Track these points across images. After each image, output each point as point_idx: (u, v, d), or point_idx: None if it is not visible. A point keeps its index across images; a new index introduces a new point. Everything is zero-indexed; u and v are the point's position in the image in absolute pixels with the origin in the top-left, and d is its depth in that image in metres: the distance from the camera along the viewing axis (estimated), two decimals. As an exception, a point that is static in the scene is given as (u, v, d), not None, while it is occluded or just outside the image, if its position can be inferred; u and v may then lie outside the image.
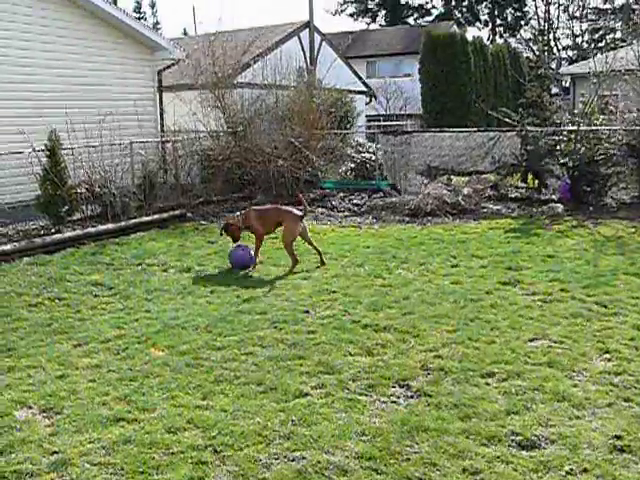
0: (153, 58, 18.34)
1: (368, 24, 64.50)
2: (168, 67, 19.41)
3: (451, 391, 5.45)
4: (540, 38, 60.28)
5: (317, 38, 27.23)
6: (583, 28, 61.89)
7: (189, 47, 19.76)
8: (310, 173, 17.00)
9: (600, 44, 60.65)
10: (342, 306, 7.95)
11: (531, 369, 5.91)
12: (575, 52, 59.03)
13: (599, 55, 22.67)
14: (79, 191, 13.55)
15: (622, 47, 19.83)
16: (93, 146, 14.06)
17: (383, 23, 63.49)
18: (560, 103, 17.37)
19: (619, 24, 61.50)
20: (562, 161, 15.77)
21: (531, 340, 6.73)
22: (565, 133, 15.96)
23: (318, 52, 26.79)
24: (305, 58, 25.68)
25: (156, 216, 14.32)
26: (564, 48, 63.75)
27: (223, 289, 8.96)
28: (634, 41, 16.02)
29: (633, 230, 12.42)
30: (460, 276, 9.35)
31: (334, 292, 8.60)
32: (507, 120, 16.59)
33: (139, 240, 12.54)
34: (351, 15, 66.34)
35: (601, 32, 62.63)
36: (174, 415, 5.11)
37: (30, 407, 5.37)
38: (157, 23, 66.69)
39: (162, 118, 18.95)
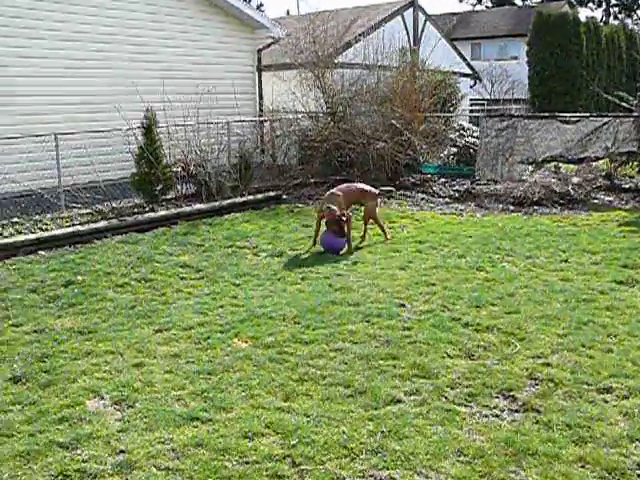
0: (253, 36, 18.03)
1: (474, 5, 62.74)
2: (268, 46, 19.09)
3: (563, 407, 4.81)
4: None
5: (421, 18, 26.42)
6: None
7: (290, 26, 19.37)
8: (411, 157, 16.32)
9: None
10: (441, 301, 7.35)
11: (656, 386, 5.20)
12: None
13: None
14: (174, 170, 13.38)
15: None
16: (190, 124, 13.85)
17: (489, 5, 61.53)
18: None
19: None
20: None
21: (656, 350, 5.99)
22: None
23: (422, 32, 25.99)
24: (408, 38, 24.93)
25: (251, 197, 14.01)
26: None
27: (314, 276, 8.51)
28: None
29: None
30: (570, 272, 8.58)
31: (433, 285, 8.01)
32: (624, 104, 15.52)
33: (232, 221, 12.24)
34: (457, -3, 64.63)
35: None
36: (252, 417, 4.67)
37: (102, 397, 5.06)
38: (261, 5, 66.61)
39: (261, 97, 18.65)
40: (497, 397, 5.04)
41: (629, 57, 37.29)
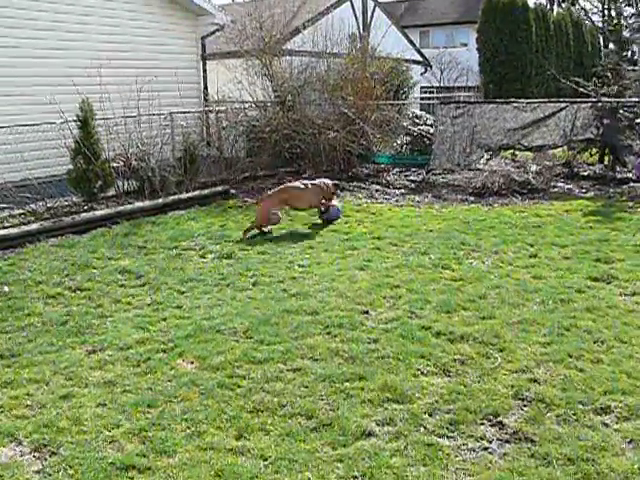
0: (197, 23, 17.16)
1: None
2: (213, 33, 18.21)
3: (559, 435, 4.17)
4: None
5: (370, 4, 25.77)
6: None
7: (236, 13, 18.50)
8: (364, 147, 15.65)
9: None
10: (407, 305, 6.68)
11: (658, 403, 4.60)
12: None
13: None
14: (114, 165, 12.46)
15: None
16: (130, 117, 12.93)
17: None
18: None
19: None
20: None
21: (648, 357, 5.41)
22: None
23: (371, 18, 25.36)
24: (358, 24, 24.28)
25: (197, 192, 13.16)
26: (626, 17, 60.76)
27: (267, 280, 7.76)
28: None
29: None
30: (542, 269, 8.01)
31: (397, 287, 7.33)
32: (582, 90, 15.07)
33: (177, 219, 11.41)
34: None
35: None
36: (199, 463, 3.92)
37: (20, 442, 4.25)
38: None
39: (206, 87, 17.79)
40: (482, 423, 4.38)
41: (576, 44, 37.25)
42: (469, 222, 10.66)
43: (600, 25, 50.09)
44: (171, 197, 12.57)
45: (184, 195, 12.85)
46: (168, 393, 4.84)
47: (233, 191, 14.01)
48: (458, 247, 9.08)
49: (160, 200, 12.16)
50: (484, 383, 4.92)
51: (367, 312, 6.53)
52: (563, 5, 60.01)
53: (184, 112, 14.92)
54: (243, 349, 5.64)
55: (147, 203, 11.91)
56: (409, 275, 7.77)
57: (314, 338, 5.87)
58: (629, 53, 16.05)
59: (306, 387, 4.91)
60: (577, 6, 58.22)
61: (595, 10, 55.42)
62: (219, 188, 13.71)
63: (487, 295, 6.98)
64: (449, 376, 5.08)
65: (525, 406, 4.58)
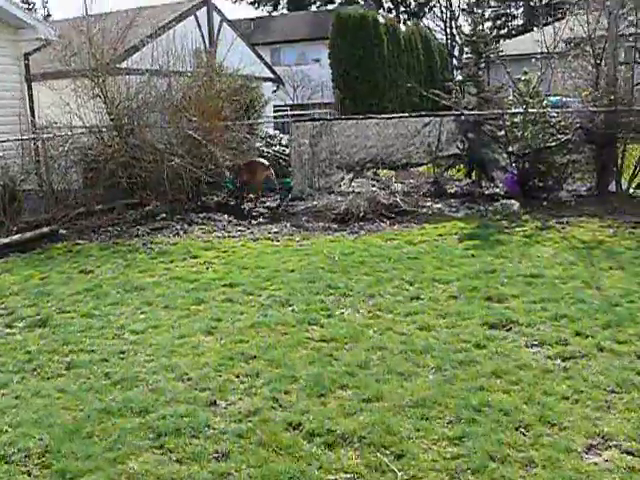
0: (17, 38, 15.03)
1: (270, 12, 61.47)
2: (38, 49, 16.10)
3: None
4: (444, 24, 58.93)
5: (216, 18, 24.19)
6: (486, 15, 60.53)
7: (66, 30, 16.40)
8: (213, 172, 13.98)
9: (502, 31, 59.80)
10: (268, 388, 5.06)
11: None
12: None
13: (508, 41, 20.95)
14: None
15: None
16: None
17: (285, 12, 60.46)
18: (504, 82, 14.94)
19: (520, 10, 61.03)
20: (510, 149, 13.36)
21: (588, 449, 4.05)
22: (509, 117, 13.54)
23: (218, 34, 23.78)
24: (203, 40, 22.63)
25: (16, 237, 11.09)
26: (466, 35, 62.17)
27: (87, 358, 5.93)
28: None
29: (612, 231, 10.09)
30: (428, 316, 6.65)
31: (253, 358, 5.69)
32: (445, 103, 14.09)
33: (-14, 273, 9.37)
34: (252, 3, 63.02)
35: (503, 19, 61.99)
36: None
37: None
38: (49, 15, 60.72)
39: (33, 112, 15.64)
40: None
41: (426, 58, 37.25)
42: (335, 257, 9.22)
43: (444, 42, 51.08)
44: (-18, 244, 10.50)
45: (0, 241, 10.76)
46: None
47: (63, 231, 12.01)
48: (325, 292, 7.59)
49: (-34, 249, 10.05)
50: (382, 524, 3.40)
51: (215, 403, 4.87)
52: (409, 23, 61.11)
53: (1, 141, 12.76)
54: (33, 488, 3.86)
55: (-52, 255, 9.78)
56: (268, 339, 6.16)
57: (141, 458, 4.14)
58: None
59: None
60: (421, 24, 59.34)
61: (437, 29, 56.73)
62: (45, 229, 11.66)
63: (368, 362, 5.48)
64: (331, 514, 3.52)
65: None
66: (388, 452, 4.07)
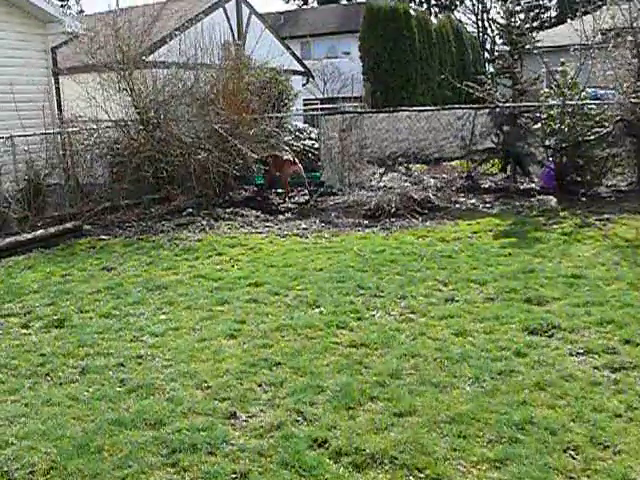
0: (45, 32, 14.79)
1: (300, 6, 61.04)
2: (65, 43, 15.93)
3: None
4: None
5: (245, 11, 23.87)
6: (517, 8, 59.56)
7: (90, 23, 16.18)
8: (241, 166, 13.64)
9: (535, 23, 58.83)
10: (292, 399, 4.71)
11: None
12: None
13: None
14: None
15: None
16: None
17: (315, 5, 59.97)
18: (539, 73, 14.43)
19: (553, 2, 59.96)
20: (547, 143, 12.86)
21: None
22: (545, 109, 13.03)
23: (247, 26, 23.47)
24: (232, 32, 22.31)
25: (41, 232, 10.85)
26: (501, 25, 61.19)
27: (103, 363, 5.63)
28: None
29: (658, 229, 9.59)
30: (463, 320, 6.25)
31: (278, 365, 5.35)
32: (479, 95, 13.62)
33: (9, 269, 9.17)
34: (283, -3, 62.75)
35: (536, 11, 60.91)
36: None
37: None
38: (82, 11, 60.92)
39: (60, 106, 15.42)
40: None
41: (458, 51, 36.61)
42: (365, 255, 8.85)
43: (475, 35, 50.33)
44: (8, 239, 10.28)
45: (24, 236, 10.54)
46: None
47: (88, 227, 11.77)
48: (355, 292, 7.23)
49: (-8, 244, 9.85)
50: None
51: (235, 415, 4.52)
52: (440, 16, 60.40)
53: (27, 135, 12.55)
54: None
55: (-29, 250, 9.57)
56: (294, 343, 5.81)
57: (152, 478, 3.82)
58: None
59: None
60: (453, 16, 58.59)
61: (469, 22, 55.97)
62: (69, 225, 11.42)
63: (400, 371, 5.10)
64: None
65: None
66: (422, 475, 3.70)
